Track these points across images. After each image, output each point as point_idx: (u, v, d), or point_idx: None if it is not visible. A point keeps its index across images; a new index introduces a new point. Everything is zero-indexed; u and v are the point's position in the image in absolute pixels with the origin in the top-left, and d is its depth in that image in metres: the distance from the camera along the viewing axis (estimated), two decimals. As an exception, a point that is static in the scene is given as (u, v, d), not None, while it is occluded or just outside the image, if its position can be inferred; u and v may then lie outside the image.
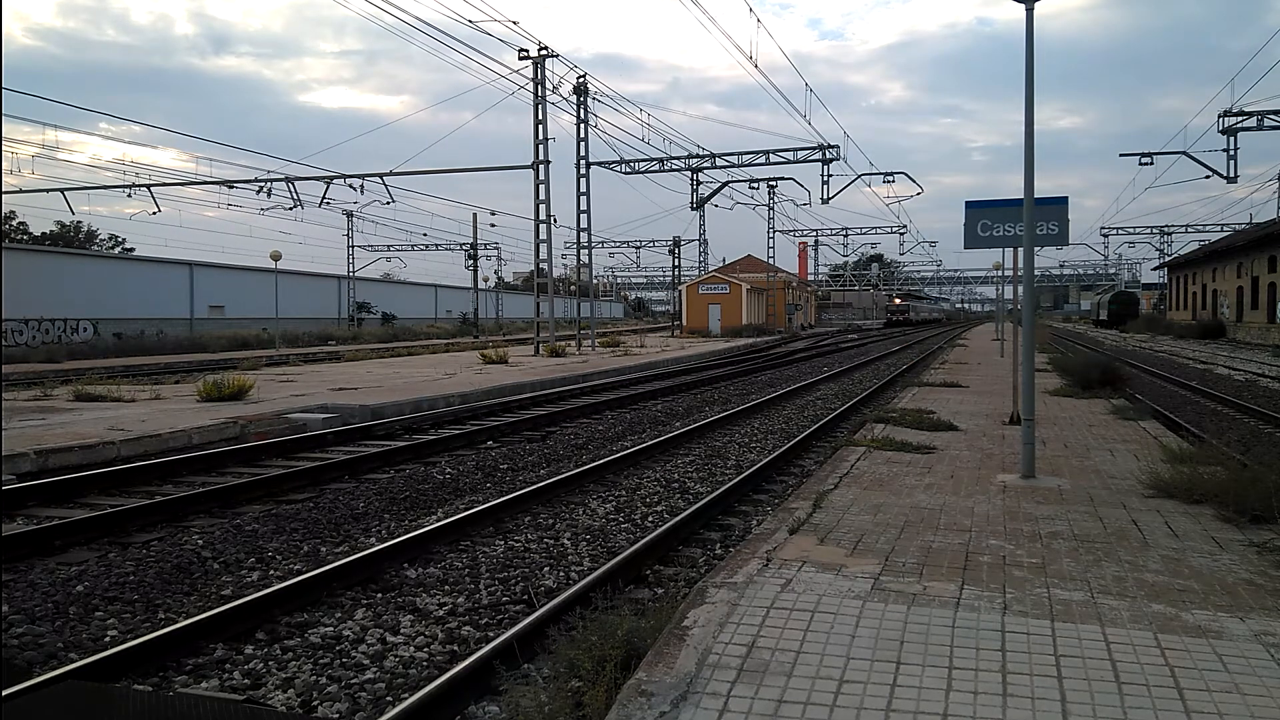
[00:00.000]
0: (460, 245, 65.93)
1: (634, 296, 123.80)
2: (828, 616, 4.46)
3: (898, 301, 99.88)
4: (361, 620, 5.48)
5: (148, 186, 40.16)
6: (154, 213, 41.37)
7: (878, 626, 4.32)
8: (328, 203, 40.16)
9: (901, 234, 71.98)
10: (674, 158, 40.63)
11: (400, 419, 13.91)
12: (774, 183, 52.41)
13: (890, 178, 44.99)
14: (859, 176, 46.95)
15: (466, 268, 63.29)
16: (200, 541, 7.14)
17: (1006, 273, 17.54)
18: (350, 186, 38.25)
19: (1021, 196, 8.34)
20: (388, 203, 39.58)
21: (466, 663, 4.47)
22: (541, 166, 31.36)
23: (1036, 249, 8.94)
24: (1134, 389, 18.80)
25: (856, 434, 11.26)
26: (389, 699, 4.40)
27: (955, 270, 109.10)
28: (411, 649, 5.04)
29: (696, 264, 71.11)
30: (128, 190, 40.53)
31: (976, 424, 12.16)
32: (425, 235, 65.75)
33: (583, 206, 34.60)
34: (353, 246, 62.57)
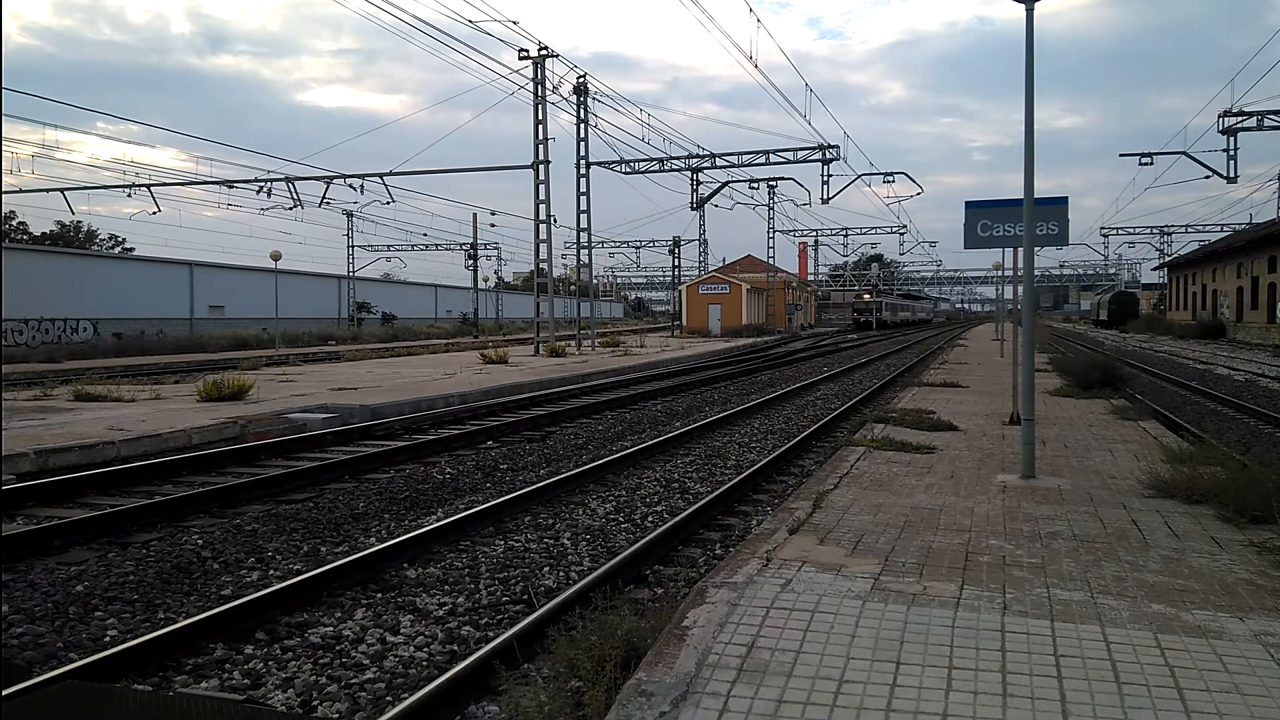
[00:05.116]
0: (460, 245, 66.01)
1: (634, 296, 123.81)
2: (828, 616, 4.46)
3: (866, 298, 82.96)
4: (361, 620, 5.47)
5: (147, 186, 40.18)
6: (154, 213, 41.45)
7: (878, 626, 4.32)
8: (328, 203, 40.24)
9: (901, 234, 72.21)
10: (674, 158, 40.66)
11: (400, 419, 13.91)
12: (774, 183, 52.46)
13: (890, 178, 45.12)
14: (859, 176, 47.01)
15: (466, 268, 63.40)
16: (200, 541, 7.14)
17: (1006, 273, 17.54)
18: (350, 186, 38.32)
19: (1021, 196, 8.34)
20: (388, 203, 39.67)
21: (466, 663, 4.47)
22: (541, 166, 31.36)
23: (1036, 249, 8.94)
24: (1134, 389, 18.81)
25: (856, 434, 11.26)
26: (389, 699, 4.40)
27: (955, 270, 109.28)
28: (411, 649, 5.04)
29: (696, 264, 71.23)
30: (127, 190, 40.57)
31: (976, 424, 12.16)
32: (425, 235, 65.88)
33: (583, 206, 34.62)
34: (353, 246, 62.69)
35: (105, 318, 41.29)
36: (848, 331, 71.42)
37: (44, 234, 64.30)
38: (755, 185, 48.58)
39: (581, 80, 33.78)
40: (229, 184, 39.94)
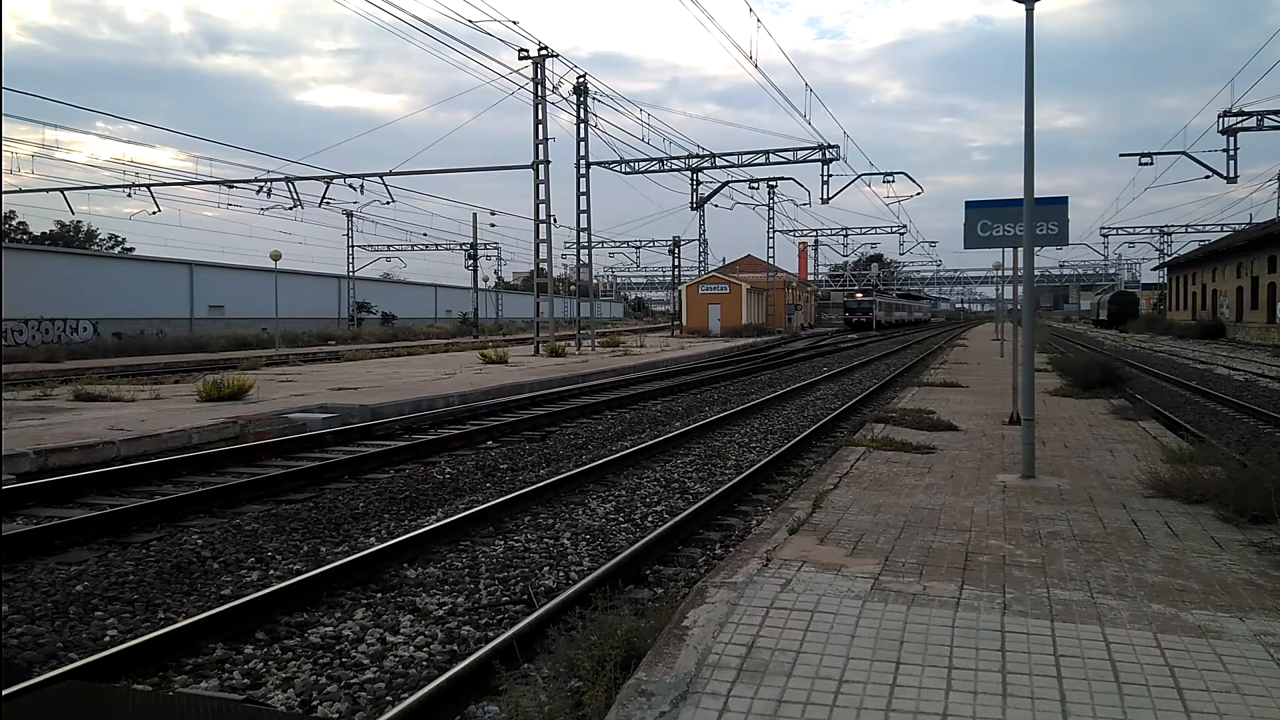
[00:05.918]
0: (460, 245, 65.99)
1: (634, 296, 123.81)
2: (827, 616, 4.46)
3: (860, 296, 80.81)
4: (361, 620, 5.48)
5: (147, 186, 40.15)
6: (154, 213, 41.40)
7: (877, 626, 4.32)
8: (328, 203, 40.23)
9: (901, 234, 72.14)
10: (674, 158, 40.67)
11: (400, 419, 13.90)
12: (774, 183, 52.46)
13: (890, 178, 45.12)
14: (859, 176, 47.01)
15: (466, 268, 63.41)
16: (200, 541, 7.14)
17: (1006, 273, 17.54)
18: (350, 186, 38.30)
19: (1021, 196, 8.34)
20: (388, 203, 39.67)
21: (466, 662, 4.47)
22: (541, 166, 31.35)
23: (1036, 249, 8.94)
24: (1134, 389, 18.80)
25: (856, 434, 11.26)
26: (389, 699, 4.40)
27: (955, 270, 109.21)
28: (411, 649, 5.04)
29: (696, 264, 71.17)
30: (127, 190, 40.53)
31: (976, 424, 12.16)
32: (425, 235, 65.87)
33: (583, 206, 34.63)
34: (353, 246, 62.66)
35: (105, 318, 41.30)
36: (846, 332, 71.22)
37: (44, 234, 64.35)
38: (755, 185, 48.64)
39: (581, 80, 33.80)
40: (229, 184, 39.94)
